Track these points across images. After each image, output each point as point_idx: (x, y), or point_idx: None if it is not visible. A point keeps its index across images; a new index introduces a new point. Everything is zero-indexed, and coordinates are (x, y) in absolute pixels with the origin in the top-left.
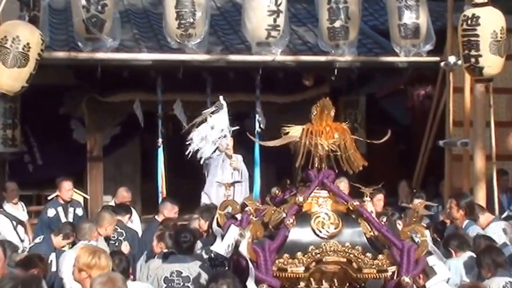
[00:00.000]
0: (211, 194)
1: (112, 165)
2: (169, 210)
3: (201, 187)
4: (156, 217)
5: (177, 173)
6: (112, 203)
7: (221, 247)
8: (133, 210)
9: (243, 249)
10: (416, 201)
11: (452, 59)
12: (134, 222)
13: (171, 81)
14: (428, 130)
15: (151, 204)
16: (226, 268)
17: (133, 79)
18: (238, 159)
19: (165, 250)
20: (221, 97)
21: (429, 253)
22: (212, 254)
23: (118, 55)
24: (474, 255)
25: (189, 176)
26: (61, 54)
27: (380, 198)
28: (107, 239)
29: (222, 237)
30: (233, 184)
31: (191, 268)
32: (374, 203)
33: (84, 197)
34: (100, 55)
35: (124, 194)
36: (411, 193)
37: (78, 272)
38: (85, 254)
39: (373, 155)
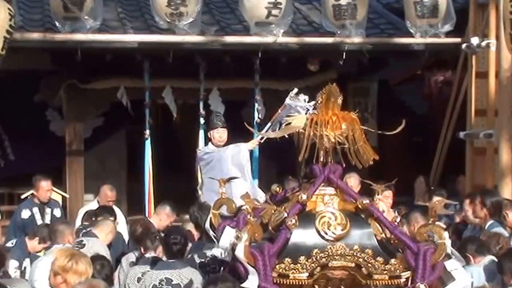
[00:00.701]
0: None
1: (94, 160)
2: (168, 217)
3: (194, 184)
4: (148, 218)
5: (167, 169)
6: (95, 203)
7: (216, 250)
8: (118, 210)
9: (240, 253)
10: (435, 199)
11: (475, 40)
12: (120, 224)
13: (160, 66)
14: (447, 120)
15: (138, 204)
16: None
17: (117, 64)
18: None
19: (150, 254)
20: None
21: (448, 256)
22: (206, 259)
23: (100, 36)
24: (496, 260)
25: (180, 172)
26: (35, 36)
27: (388, 195)
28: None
29: (217, 240)
30: (228, 180)
31: (182, 275)
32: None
33: (63, 196)
34: (80, 36)
35: (107, 193)
36: (428, 190)
37: (54, 276)
38: (61, 257)
39: (386, 148)
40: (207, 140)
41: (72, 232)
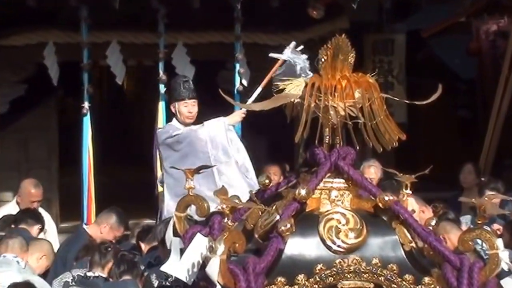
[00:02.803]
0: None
1: (12, 145)
2: (111, 230)
3: (153, 179)
4: (85, 226)
5: (114, 157)
6: (13, 204)
7: (178, 268)
8: (46, 215)
9: (213, 270)
10: (486, 195)
11: None
12: (49, 233)
13: (103, 13)
14: (503, 86)
15: (74, 206)
16: None
17: (43, 11)
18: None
19: (95, 273)
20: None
21: (505, 273)
22: (166, 281)
23: None
24: None
25: (133, 161)
26: None
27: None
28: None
29: (181, 252)
30: (198, 170)
31: None
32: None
33: None
34: None
35: (31, 190)
36: (478, 182)
37: None
38: None
39: (418, 125)
40: (170, 115)
41: None
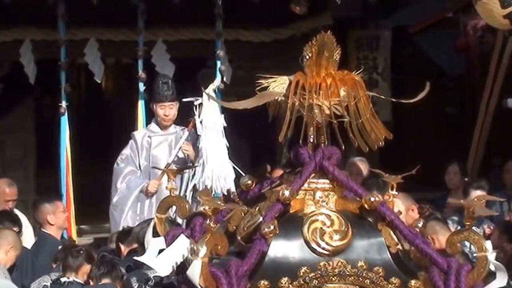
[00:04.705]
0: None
1: None
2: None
3: None
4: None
5: (93, 158)
6: None
7: (155, 260)
8: (23, 217)
9: (195, 273)
10: (474, 195)
11: None
12: (25, 235)
13: (80, 10)
14: (490, 82)
15: None
16: None
17: (19, 9)
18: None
19: (70, 278)
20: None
21: (492, 275)
22: (147, 286)
23: None
24: None
25: (111, 161)
26: None
27: None
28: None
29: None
30: (181, 171)
31: None
32: None
33: None
34: None
35: (5, 189)
36: (465, 182)
37: None
38: None
39: (405, 124)
40: (151, 114)
41: None
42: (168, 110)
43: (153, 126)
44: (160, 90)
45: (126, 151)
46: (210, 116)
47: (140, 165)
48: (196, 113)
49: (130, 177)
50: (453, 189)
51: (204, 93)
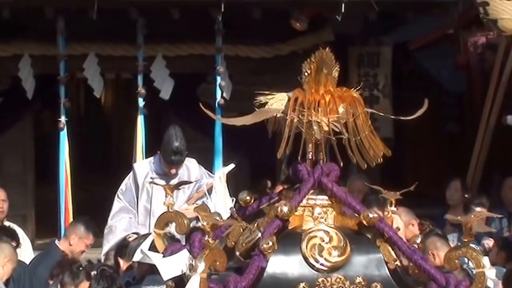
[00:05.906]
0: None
1: None
2: (80, 239)
3: None
4: (56, 242)
5: (92, 172)
6: None
7: (166, 266)
8: (20, 230)
9: None
10: (475, 212)
11: None
12: (23, 249)
13: (80, 25)
14: (490, 99)
15: (50, 221)
16: None
17: (18, 22)
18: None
19: None
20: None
21: None
22: None
23: None
24: None
25: (111, 176)
26: None
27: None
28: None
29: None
30: (178, 186)
31: None
32: None
33: None
34: None
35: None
36: (465, 199)
37: None
38: None
39: (405, 140)
40: (150, 129)
41: None
42: (174, 169)
43: (156, 165)
44: (171, 156)
45: (128, 183)
46: (220, 197)
47: (138, 205)
48: (207, 194)
49: (122, 216)
50: (453, 205)
51: (216, 177)
